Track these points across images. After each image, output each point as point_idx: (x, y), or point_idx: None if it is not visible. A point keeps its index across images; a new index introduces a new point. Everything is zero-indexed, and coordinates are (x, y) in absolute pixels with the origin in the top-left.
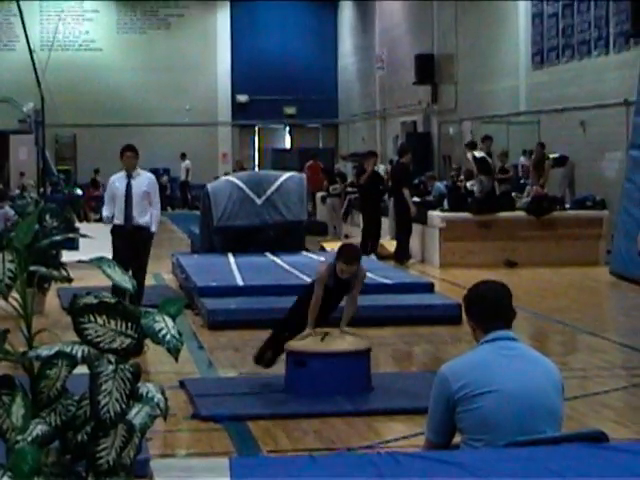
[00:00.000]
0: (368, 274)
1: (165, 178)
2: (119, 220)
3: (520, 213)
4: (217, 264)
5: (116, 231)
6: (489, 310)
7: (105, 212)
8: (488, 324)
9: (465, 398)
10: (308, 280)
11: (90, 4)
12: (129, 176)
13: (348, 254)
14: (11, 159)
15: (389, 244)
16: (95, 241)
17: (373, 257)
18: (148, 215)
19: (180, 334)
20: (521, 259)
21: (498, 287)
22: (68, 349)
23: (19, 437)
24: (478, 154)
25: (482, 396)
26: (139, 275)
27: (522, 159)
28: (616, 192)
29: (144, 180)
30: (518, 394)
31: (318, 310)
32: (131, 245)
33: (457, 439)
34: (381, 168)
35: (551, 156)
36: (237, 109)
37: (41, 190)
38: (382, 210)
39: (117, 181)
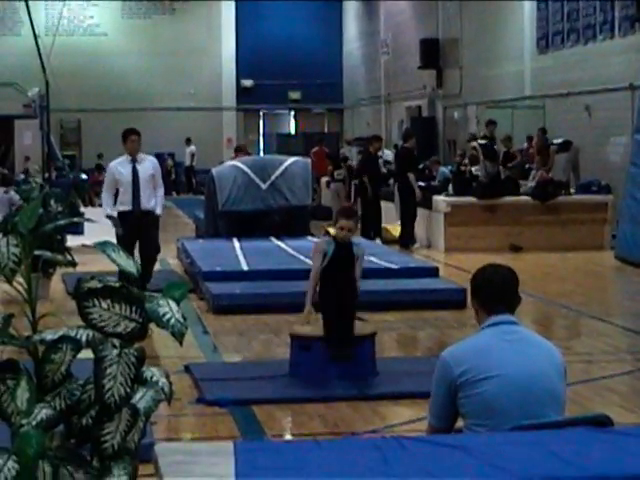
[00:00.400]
0: (373, 258)
1: (170, 162)
2: (126, 206)
3: (525, 198)
4: (222, 249)
5: (123, 217)
6: (494, 294)
7: (105, 201)
8: (492, 308)
9: (467, 383)
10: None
11: None
12: (134, 160)
13: (345, 210)
14: (16, 144)
15: (394, 229)
16: (100, 226)
17: (378, 241)
18: (154, 199)
19: (184, 318)
20: (526, 244)
21: (505, 272)
22: (73, 333)
23: (24, 421)
24: (482, 141)
25: (484, 381)
26: (152, 258)
27: (527, 144)
28: (621, 177)
29: (149, 164)
30: (520, 378)
31: (325, 286)
32: (137, 230)
33: (460, 423)
34: (386, 153)
35: (555, 141)
36: (242, 94)
37: (46, 175)
38: (381, 194)
39: (120, 166)
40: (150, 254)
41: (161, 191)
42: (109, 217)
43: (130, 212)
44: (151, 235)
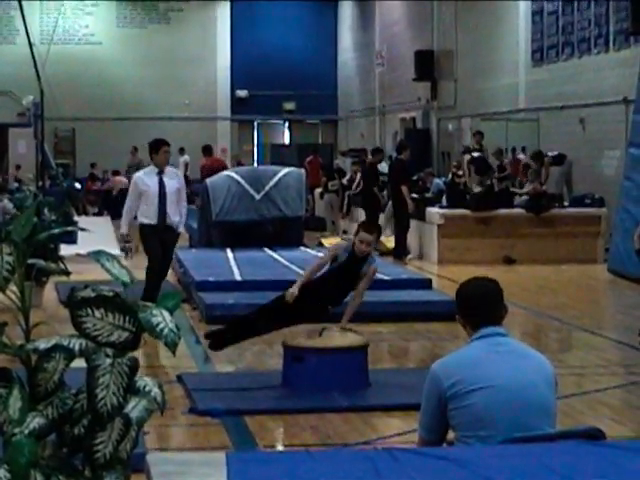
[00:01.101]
0: None
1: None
2: (151, 219)
3: (519, 210)
4: (215, 259)
5: (147, 230)
6: (478, 307)
7: (126, 215)
8: (477, 321)
9: (457, 395)
10: None
11: None
12: (161, 173)
13: (368, 224)
14: (10, 152)
15: (387, 240)
16: (93, 235)
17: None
18: (178, 215)
19: (178, 328)
20: (519, 256)
21: (488, 284)
22: (66, 342)
23: (16, 430)
24: (475, 154)
25: (474, 393)
26: (165, 274)
27: (521, 156)
28: (615, 190)
29: (173, 176)
30: (510, 390)
31: (320, 285)
32: (161, 243)
33: (451, 435)
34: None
35: (549, 154)
36: (236, 104)
37: (40, 183)
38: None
39: (146, 178)
40: (166, 270)
41: (185, 206)
42: (122, 235)
43: (155, 226)
44: (170, 251)
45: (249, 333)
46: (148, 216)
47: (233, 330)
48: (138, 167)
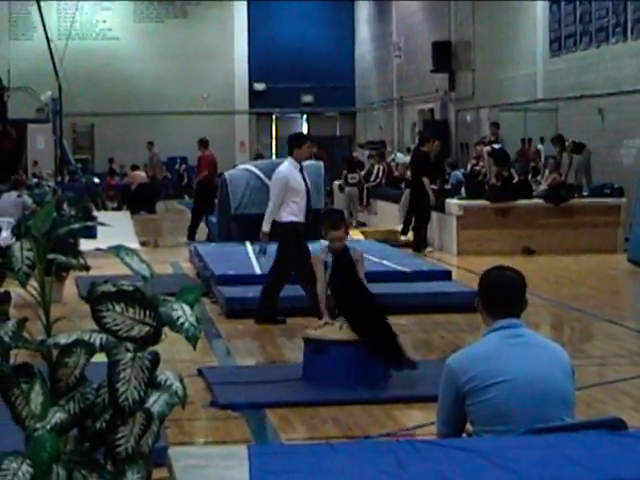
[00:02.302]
0: (385, 262)
1: (183, 167)
2: (299, 217)
3: (538, 201)
4: (234, 252)
5: (296, 229)
6: (499, 297)
7: (271, 213)
8: (497, 311)
9: (474, 390)
10: None
11: None
12: (302, 169)
13: (331, 220)
14: (29, 148)
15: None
16: (113, 229)
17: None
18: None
19: (198, 322)
20: (539, 247)
21: (512, 275)
22: (86, 337)
23: (38, 425)
24: (496, 145)
25: (492, 387)
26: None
27: (540, 146)
28: (634, 179)
29: (305, 169)
30: (528, 382)
31: (328, 296)
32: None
33: (469, 428)
34: (399, 156)
35: (570, 139)
36: (254, 97)
37: (59, 179)
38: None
39: (294, 174)
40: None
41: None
42: (264, 233)
43: (303, 224)
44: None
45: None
46: (296, 213)
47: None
48: (152, 161)
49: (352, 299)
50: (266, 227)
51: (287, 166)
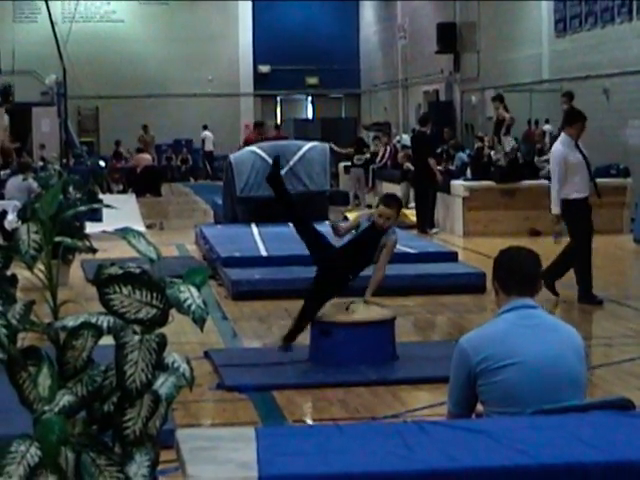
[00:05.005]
0: None
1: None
2: (582, 192)
3: (544, 181)
4: (240, 234)
5: (581, 205)
6: (515, 277)
7: (559, 193)
8: (511, 291)
9: (486, 371)
10: None
11: None
12: (577, 145)
13: (388, 197)
14: (34, 131)
15: (411, 213)
16: (119, 212)
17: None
18: None
19: (205, 304)
20: (545, 228)
21: (529, 255)
22: (94, 320)
23: (46, 408)
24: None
25: (504, 368)
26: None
27: (546, 127)
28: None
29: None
30: (540, 364)
31: (341, 253)
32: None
33: (480, 408)
34: (404, 137)
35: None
36: (259, 79)
37: (64, 162)
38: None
39: (570, 148)
40: None
41: None
42: (556, 216)
43: (585, 199)
44: None
45: (308, 320)
46: (579, 190)
47: (299, 324)
48: (145, 145)
49: (340, 263)
50: (555, 209)
51: (560, 143)
